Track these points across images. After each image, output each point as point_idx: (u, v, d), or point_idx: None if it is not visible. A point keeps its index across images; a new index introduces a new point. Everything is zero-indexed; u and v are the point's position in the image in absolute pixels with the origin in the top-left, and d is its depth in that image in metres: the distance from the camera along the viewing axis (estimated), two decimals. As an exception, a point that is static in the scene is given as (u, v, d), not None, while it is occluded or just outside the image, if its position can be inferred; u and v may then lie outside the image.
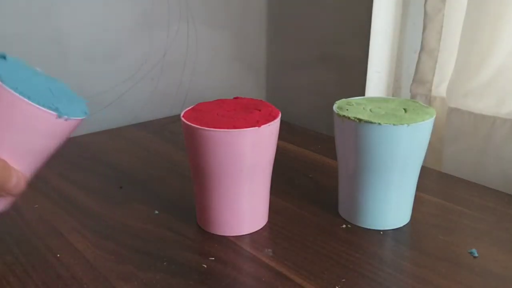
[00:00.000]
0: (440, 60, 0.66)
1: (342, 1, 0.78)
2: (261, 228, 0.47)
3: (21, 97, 0.31)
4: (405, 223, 0.47)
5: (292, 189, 0.55)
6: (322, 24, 0.83)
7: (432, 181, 0.59)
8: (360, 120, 0.42)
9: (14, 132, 0.32)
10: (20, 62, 0.37)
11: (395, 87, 0.77)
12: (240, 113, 0.44)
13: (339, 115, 0.44)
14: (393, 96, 0.77)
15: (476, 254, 0.42)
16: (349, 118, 0.43)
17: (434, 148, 0.68)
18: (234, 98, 0.48)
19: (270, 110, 0.44)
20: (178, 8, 0.82)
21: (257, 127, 0.41)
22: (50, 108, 0.33)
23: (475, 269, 0.40)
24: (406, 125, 0.41)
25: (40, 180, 0.57)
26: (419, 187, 0.48)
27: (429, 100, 0.68)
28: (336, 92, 0.82)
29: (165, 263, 0.41)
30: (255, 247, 0.44)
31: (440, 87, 0.67)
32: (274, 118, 0.43)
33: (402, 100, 0.48)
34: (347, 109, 0.45)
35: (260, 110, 0.44)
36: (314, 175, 0.60)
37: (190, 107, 0.46)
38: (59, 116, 0.33)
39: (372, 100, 0.49)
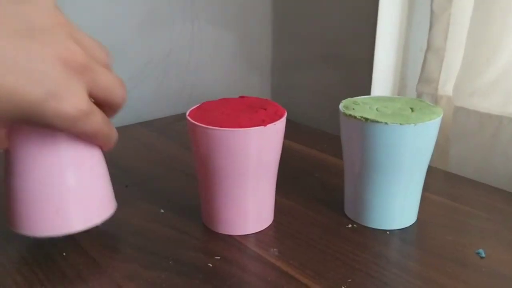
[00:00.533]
0: (447, 59, 0.65)
1: (348, 0, 0.78)
2: (267, 228, 0.47)
3: None
4: (412, 223, 0.47)
5: (298, 189, 0.55)
6: (327, 23, 0.82)
7: (439, 181, 0.59)
8: (366, 119, 0.42)
9: None
10: None
11: (401, 86, 0.76)
12: (246, 112, 0.44)
13: (345, 114, 0.44)
14: (399, 95, 0.77)
15: (483, 255, 0.42)
16: (355, 117, 0.43)
17: (440, 147, 0.68)
18: (240, 97, 0.48)
19: (276, 109, 0.44)
20: (182, 7, 0.82)
21: (262, 126, 0.41)
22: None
23: (482, 270, 0.40)
24: (413, 124, 0.41)
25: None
26: (426, 187, 0.47)
27: (436, 99, 0.67)
28: (342, 91, 0.81)
29: (170, 262, 0.41)
30: (260, 247, 0.43)
31: (446, 86, 0.67)
32: (280, 117, 0.43)
33: (408, 99, 0.48)
34: (353, 108, 0.45)
35: (265, 109, 0.44)
36: (320, 174, 0.59)
37: (195, 106, 0.46)
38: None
39: (379, 99, 0.48)
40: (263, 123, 0.41)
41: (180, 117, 0.82)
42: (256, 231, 0.46)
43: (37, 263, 0.41)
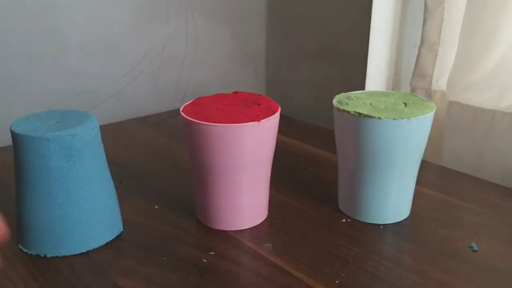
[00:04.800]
0: (440, 53, 0.65)
1: (342, -5, 0.78)
2: (261, 223, 0.47)
3: None
4: (405, 217, 0.47)
5: (292, 184, 0.55)
6: (322, 18, 0.82)
7: (432, 175, 0.59)
8: (359, 114, 0.42)
9: None
10: None
11: (395, 81, 0.76)
12: (240, 107, 0.44)
13: (338, 109, 0.44)
14: (393, 90, 0.77)
15: (476, 248, 0.42)
16: (348, 112, 0.43)
17: (434, 142, 0.68)
18: (234, 92, 0.48)
19: (270, 105, 0.44)
20: (177, 2, 0.81)
21: (256, 122, 0.41)
22: None
23: (475, 263, 0.40)
24: (406, 119, 0.41)
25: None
26: (419, 181, 0.48)
27: (429, 94, 0.68)
28: (336, 86, 0.82)
29: (165, 258, 0.41)
30: (255, 242, 0.44)
31: (440, 81, 0.67)
32: (274, 112, 0.43)
33: (402, 94, 0.48)
34: (346, 103, 0.45)
35: (259, 105, 0.44)
36: (314, 169, 0.60)
37: (189, 102, 0.46)
38: None
39: (372, 94, 0.48)
40: (257, 118, 0.41)
41: (175, 113, 0.82)
42: (251, 226, 0.46)
43: (31, 259, 0.41)
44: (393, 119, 0.41)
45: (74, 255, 0.41)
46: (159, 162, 0.62)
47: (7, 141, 0.41)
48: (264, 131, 0.42)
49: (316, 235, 0.45)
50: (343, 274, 0.39)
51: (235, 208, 0.45)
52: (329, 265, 0.40)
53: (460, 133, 0.63)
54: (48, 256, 0.41)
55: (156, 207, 0.50)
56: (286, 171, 0.59)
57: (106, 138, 0.45)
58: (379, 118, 0.41)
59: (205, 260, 0.41)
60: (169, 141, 0.70)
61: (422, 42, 0.66)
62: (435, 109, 0.44)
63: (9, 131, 0.39)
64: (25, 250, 0.42)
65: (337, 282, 0.38)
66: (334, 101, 0.46)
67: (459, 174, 0.59)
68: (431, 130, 0.45)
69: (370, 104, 0.45)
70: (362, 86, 0.74)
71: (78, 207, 0.40)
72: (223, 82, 0.92)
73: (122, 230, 0.45)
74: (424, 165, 0.48)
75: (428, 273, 0.39)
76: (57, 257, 0.41)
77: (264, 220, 0.47)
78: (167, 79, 0.84)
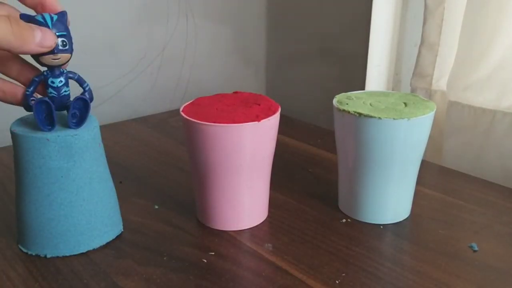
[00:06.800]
0: (441, 53, 0.65)
1: (342, -5, 0.78)
2: (261, 223, 0.47)
3: None
4: (405, 217, 0.47)
5: (292, 184, 0.55)
6: (322, 18, 0.82)
7: (432, 175, 0.59)
8: (360, 114, 0.42)
9: None
10: None
11: (395, 81, 0.76)
12: (240, 107, 0.44)
13: (339, 109, 0.44)
14: (393, 90, 0.77)
15: (476, 248, 0.42)
16: (349, 112, 0.43)
17: (434, 142, 0.68)
18: (234, 92, 0.48)
19: (270, 105, 0.44)
20: (177, 2, 0.81)
21: (256, 122, 0.41)
22: None
23: (475, 263, 0.40)
24: (406, 119, 0.41)
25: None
26: (419, 181, 0.48)
27: (430, 94, 0.68)
28: (336, 86, 0.82)
29: (165, 258, 0.41)
30: (255, 242, 0.44)
31: (440, 81, 0.67)
32: (274, 112, 0.43)
33: (402, 94, 0.48)
34: (347, 103, 0.45)
35: (259, 105, 0.44)
36: (314, 170, 0.60)
37: (189, 102, 0.46)
38: None
39: (372, 94, 0.48)
40: (257, 118, 0.41)
41: (175, 113, 0.82)
42: (251, 226, 0.46)
43: (31, 259, 0.41)
44: (393, 119, 0.41)
45: (74, 255, 0.41)
46: (159, 162, 0.62)
47: (7, 141, 0.41)
48: (264, 131, 0.42)
49: (316, 235, 0.45)
50: (343, 274, 0.39)
51: (235, 208, 0.45)
52: (329, 265, 0.40)
53: (460, 133, 0.63)
54: (48, 256, 0.41)
55: (156, 207, 0.50)
56: (286, 171, 0.59)
57: (106, 138, 0.45)
58: (379, 118, 0.41)
59: (205, 260, 0.41)
60: (169, 141, 0.70)
61: (422, 42, 0.66)
62: (435, 109, 0.44)
63: (9, 131, 0.39)
64: (25, 250, 0.42)
65: (337, 282, 0.38)
66: (334, 101, 0.46)
67: (459, 174, 0.59)
68: (431, 130, 0.45)
69: (370, 104, 0.45)
70: (362, 86, 0.74)
71: (78, 207, 0.40)
72: (223, 82, 0.92)
73: (122, 230, 0.45)
74: (424, 165, 0.48)
75: (428, 273, 0.39)
76: (57, 257, 0.41)
77: (264, 220, 0.47)
78: (167, 79, 0.84)
